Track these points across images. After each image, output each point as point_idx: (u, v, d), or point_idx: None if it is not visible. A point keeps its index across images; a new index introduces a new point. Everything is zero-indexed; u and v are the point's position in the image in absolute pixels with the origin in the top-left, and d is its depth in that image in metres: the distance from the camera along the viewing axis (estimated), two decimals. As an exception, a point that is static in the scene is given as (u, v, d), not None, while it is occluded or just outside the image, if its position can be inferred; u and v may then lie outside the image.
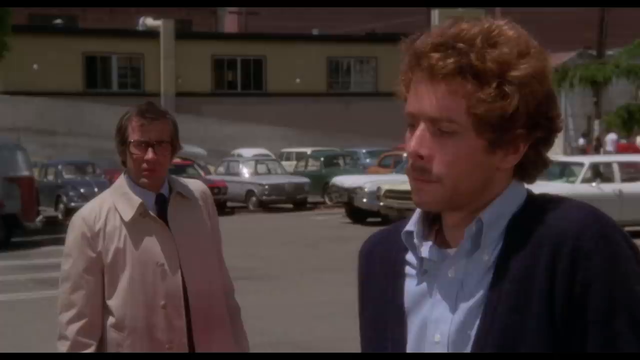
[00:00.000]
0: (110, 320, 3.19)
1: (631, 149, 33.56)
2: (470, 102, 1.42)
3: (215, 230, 3.41)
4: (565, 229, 1.42)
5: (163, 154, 3.19)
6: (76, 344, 3.16)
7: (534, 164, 1.49)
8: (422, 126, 1.45)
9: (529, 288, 1.42)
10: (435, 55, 1.43)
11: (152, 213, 3.22)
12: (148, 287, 3.19)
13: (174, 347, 3.19)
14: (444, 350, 1.47)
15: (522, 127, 1.44)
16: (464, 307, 1.46)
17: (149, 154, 3.16)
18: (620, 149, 32.62)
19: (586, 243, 1.40)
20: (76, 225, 3.23)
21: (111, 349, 3.20)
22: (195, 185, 3.41)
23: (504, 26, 1.46)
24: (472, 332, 1.45)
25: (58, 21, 45.57)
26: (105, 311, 3.20)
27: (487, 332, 1.43)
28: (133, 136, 3.17)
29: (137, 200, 3.20)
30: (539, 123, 1.45)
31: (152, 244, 3.21)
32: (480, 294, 1.45)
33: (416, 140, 1.45)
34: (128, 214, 3.20)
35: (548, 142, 1.49)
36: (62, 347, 3.19)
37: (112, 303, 3.19)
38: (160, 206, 3.25)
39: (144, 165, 3.18)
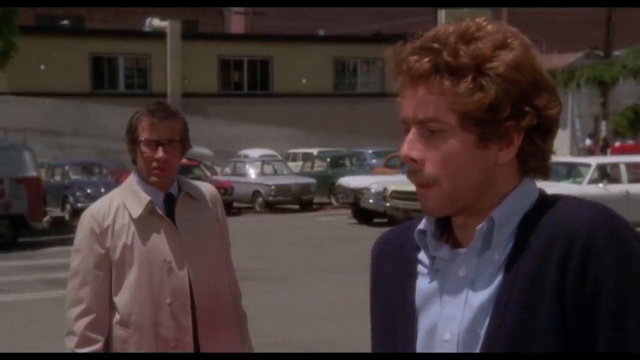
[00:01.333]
0: (117, 316, 3.20)
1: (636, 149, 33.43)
2: (450, 99, 1.44)
3: (224, 234, 3.42)
4: (576, 227, 1.42)
5: (173, 153, 3.21)
6: (84, 340, 3.17)
7: (531, 155, 1.49)
8: (412, 130, 1.47)
9: (540, 286, 1.42)
10: (413, 58, 1.46)
11: (160, 211, 3.23)
12: (155, 284, 3.19)
13: (180, 345, 3.20)
14: (454, 349, 1.47)
15: (509, 118, 1.45)
16: (474, 305, 1.46)
17: (159, 153, 3.17)
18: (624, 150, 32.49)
19: (597, 241, 1.40)
20: (85, 222, 3.25)
21: (117, 345, 3.20)
22: (205, 187, 3.43)
23: (483, 22, 1.48)
24: (482, 331, 1.45)
25: (65, 22, 45.65)
26: (112, 307, 3.21)
27: (497, 330, 1.43)
28: (143, 135, 3.18)
29: (146, 198, 3.22)
30: (526, 111, 1.45)
31: (159, 242, 3.22)
32: (490, 292, 1.46)
33: (407, 144, 1.47)
34: (136, 212, 3.21)
35: (543, 131, 1.48)
36: (70, 343, 3.19)
37: (119, 300, 3.20)
38: (168, 205, 3.26)
39: (154, 164, 3.19)
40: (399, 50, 1.49)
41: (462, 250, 1.50)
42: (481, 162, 1.47)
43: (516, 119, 1.45)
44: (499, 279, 1.46)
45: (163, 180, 3.24)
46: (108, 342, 3.21)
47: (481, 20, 1.49)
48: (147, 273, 3.19)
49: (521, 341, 1.42)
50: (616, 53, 36.31)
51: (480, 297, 1.46)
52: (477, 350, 1.45)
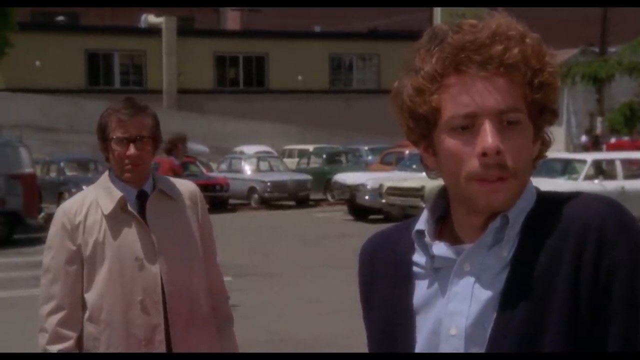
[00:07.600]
0: (87, 313, 3.17)
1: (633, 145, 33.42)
2: (527, 89, 1.45)
3: (206, 233, 3.36)
4: (588, 220, 1.43)
5: (145, 149, 3.18)
6: (56, 336, 3.14)
7: (542, 151, 1.53)
8: (488, 122, 1.43)
9: (551, 281, 1.42)
10: (499, 46, 1.43)
11: (131, 208, 3.20)
12: (126, 281, 3.16)
13: (151, 343, 3.15)
14: (461, 343, 1.46)
15: (547, 112, 1.49)
16: (480, 300, 1.46)
17: (131, 150, 3.15)
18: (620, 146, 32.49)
19: (609, 233, 1.42)
20: (57, 218, 3.23)
21: (88, 342, 3.17)
22: (184, 186, 3.37)
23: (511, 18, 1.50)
24: (489, 325, 1.45)
25: (60, 18, 45.61)
26: (83, 304, 3.18)
27: (506, 324, 1.43)
28: (114, 133, 3.16)
29: (118, 194, 3.19)
30: (555, 108, 1.50)
31: (130, 239, 3.18)
32: (497, 288, 1.46)
33: (493, 136, 1.42)
34: (108, 208, 3.18)
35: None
36: (42, 340, 3.16)
37: (90, 296, 3.17)
38: (141, 202, 3.23)
39: (126, 161, 3.17)
40: (460, 40, 1.44)
41: (466, 246, 1.49)
42: (532, 156, 1.49)
43: (550, 115, 1.49)
44: (506, 274, 1.45)
45: (136, 177, 3.21)
46: (80, 338, 3.18)
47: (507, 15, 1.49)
48: (118, 270, 3.16)
49: (531, 334, 1.42)
50: (612, 50, 36.35)
51: (487, 292, 1.46)
52: (485, 344, 1.45)
